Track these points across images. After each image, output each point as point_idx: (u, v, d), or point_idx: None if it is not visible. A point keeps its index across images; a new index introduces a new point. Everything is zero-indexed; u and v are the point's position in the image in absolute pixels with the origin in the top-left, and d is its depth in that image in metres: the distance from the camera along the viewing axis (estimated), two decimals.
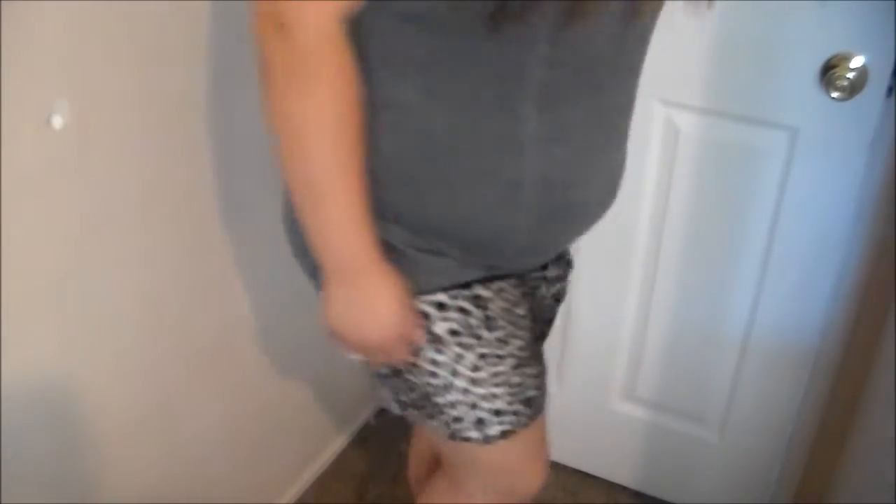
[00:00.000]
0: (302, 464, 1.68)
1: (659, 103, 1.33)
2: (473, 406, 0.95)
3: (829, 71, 1.17)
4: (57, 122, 0.91)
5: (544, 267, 1.07)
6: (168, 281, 1.16)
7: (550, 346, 1.64)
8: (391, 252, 0.87)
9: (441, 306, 0.91)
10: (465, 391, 0.94)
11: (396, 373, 0.97)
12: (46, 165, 0.92)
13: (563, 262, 1.12)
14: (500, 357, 0.94)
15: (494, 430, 0.97)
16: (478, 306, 0.92)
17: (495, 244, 0.89)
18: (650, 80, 1.14)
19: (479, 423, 0.96)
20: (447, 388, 0.95)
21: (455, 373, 0.94)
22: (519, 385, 0.97)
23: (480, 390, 0.95)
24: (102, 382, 1.10)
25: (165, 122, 1.07)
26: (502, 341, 0.94)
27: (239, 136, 1.23)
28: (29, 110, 0.88)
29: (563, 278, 1.13)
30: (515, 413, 0.97)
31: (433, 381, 0.95)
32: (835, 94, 1.18)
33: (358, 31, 0.77)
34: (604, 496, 1.74)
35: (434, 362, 0.93)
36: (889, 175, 1.20)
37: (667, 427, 1.63)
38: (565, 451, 1.78)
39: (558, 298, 1.15)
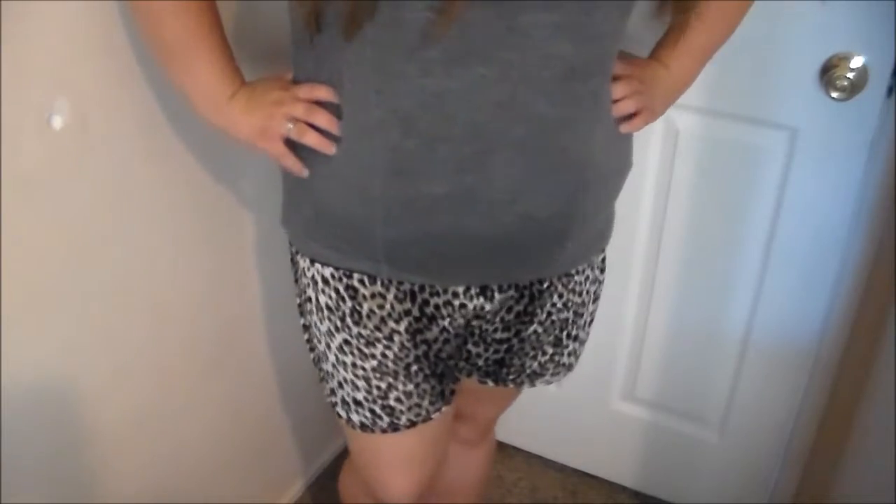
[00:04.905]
0: (302, 464, 1.68)
1: None
2: (340, 385, 1.01)
3: (829, 71, 1.17)
4: (57, 122, 0.91)
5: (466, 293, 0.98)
6: (169, 281, 1.16)
7: None
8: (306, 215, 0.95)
9: (325, 280, 0.96)
10: (334, 366, 1.00)
11: (305, 327, 1.04)
12: (46, 165, 0.92)
13: (516, 296, 1.01)
14: (362, 353, 0.98)
15: (355, 417, 1.02)
16: (351, 297, 0.95)
17: (360, 230, 0.90)
18: None
19: (344, 403, 1.02)
20: (324, 357, 1.02)
21: (328, 346, 1.00)
22: (381, 390, 0.99)
23: (343, 373, 1.00)
24: (101, 382, 1.10)
25: (166, 122, 1.07)
26: (367, 341, 0.97)
27: None
28: (29, 110, 0.88)
29: (510, 316, 1.02)
30: (373, 413, 1.00)
31: (317, 345, 1.02)
32: (835, 94, 1.18)
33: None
34: (604, 496, 1.73)
35: (317, 328, 1.00)
36: (889, 175, 1.20)
37: (667, 427, 1.63)
38: (565, 451, 1.78)
39: (519, 336, 1.04)
